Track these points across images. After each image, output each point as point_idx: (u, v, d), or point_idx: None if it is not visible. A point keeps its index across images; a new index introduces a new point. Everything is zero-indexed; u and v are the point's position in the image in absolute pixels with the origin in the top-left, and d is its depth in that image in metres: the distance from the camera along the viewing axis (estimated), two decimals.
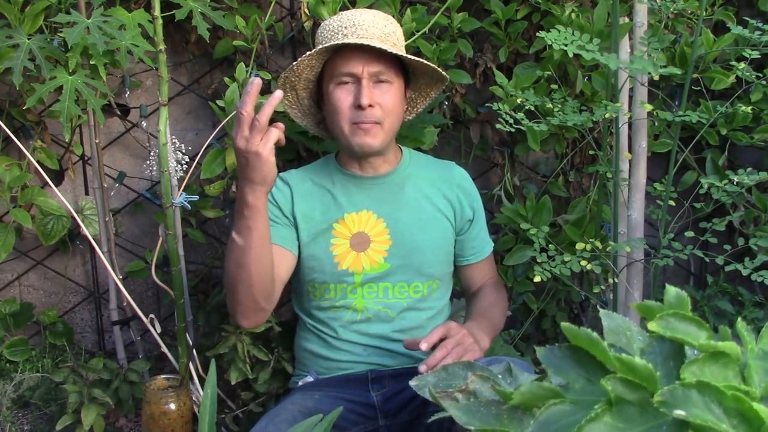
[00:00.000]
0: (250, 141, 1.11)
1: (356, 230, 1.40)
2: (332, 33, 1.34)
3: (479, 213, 1.51)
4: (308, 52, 1.33)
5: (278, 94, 1.10)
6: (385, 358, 1.40)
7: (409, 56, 1.35)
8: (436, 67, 1.38)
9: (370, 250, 1.40)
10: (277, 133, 1.12)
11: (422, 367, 1.15)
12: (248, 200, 1.17)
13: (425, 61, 1.36)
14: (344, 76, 1.33)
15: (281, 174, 1.47)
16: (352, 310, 1.40)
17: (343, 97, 1.33)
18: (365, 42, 1.28)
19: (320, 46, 1.33)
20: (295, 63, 1.35)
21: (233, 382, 1.63)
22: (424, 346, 1.18)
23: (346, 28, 1.33)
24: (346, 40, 1.30)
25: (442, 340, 1.21)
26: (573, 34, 1.41)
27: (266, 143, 1.11)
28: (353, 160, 1.42)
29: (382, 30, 1.34)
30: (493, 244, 1.56)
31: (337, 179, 1.43)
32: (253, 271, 1.22)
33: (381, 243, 1.40)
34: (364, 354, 1.40)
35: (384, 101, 1.33)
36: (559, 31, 1.40)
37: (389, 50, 1.29)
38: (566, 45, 1.38)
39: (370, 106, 1.31)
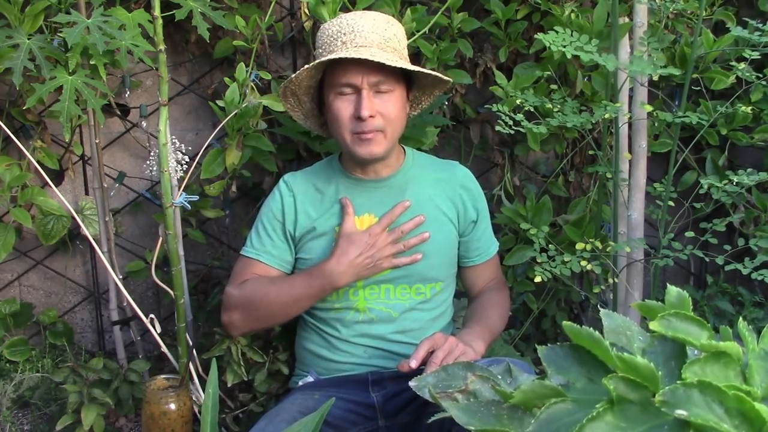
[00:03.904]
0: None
1: None
2: (331, 39, 1.32)
3: (483, 213, 1.50)
4: (306, 66, 1.31)
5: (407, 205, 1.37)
6: (386, 361, 1.40)
7: (407, 66, 1.32)
8: (436, 73, 1.35)
9: None
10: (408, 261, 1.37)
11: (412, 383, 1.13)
12: (318, 289, 1.36)
13: (424, 70, 1.33)
14: (344, 86, 1.31)
15: (285, 178, 1.46)
16: (355, 310, 1.40)
17: (343, 107, 1.32)
18: (362, 55, 1.25)
19: (318, 60, 1.30)
20: (293, 75, 1.33)
21: (229, 384, 1.63)
22: (413, 364, 1.18)
23: (344, 34, 1.30)
24: (344, 52, 1.27)
25: (432, 353, 1.20)
26: (572, 35, 1.40)
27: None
28: (355, 164, 1.42)
29: (382, 35, 1.31)
30: (498, 244, 1.55)
31: (340, 182, 1.43)
32: (270, 321, 1.42)
33: None
34: (364, 356, 1.40)
35: (385, 110, 1.32)
36: (557, 32, 1.40)
37: (386, 63, 1.26)
38: (564, 46, 1.38)
39: (370, 116, 1.30)
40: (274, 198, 1.45)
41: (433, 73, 1.34)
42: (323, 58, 1.29)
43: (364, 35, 1.30)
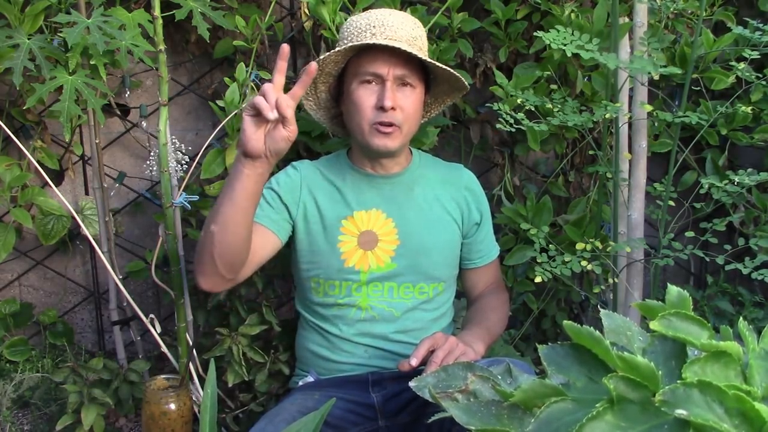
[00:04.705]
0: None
1: (365, 228, 1.40)
2: (359, 31, 1.33)
3: (486, 216, 1.51)
4: (336, 49, 1.33)
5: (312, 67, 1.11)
6: (386, 361, 1.40)
7: (437, 63, 1.34)
8: (459, 75, 1.37)
9: (377, 249, 1.39)
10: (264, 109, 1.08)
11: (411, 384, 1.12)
12: (236, 167, 1.16)
13: (450, 69, 1.35)
14: (369, 75, 1.32)
15: (294, 162, 1.47)
16: (357, 308, 1.40)
17: (365, 96, 1.33)
18: (395, 44, 1.28)
19: (349, 44, 1.31)
20: (320, 58, 1.34)
21: (230, 384, 1.63)
22: (414, 362, 1.18)
23: (374, 27, 1.32)
24: (375, 40, 1.29)
25: (432, 352, 1.20)
26: (572, 34, 1.41)
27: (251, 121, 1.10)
28: (365, 158, 1.42)
29: (410, 33, 1.33)
30: (499, 249, 1.56)
31: (348, 176, 1.43)
32: (220, 238, 1.20)
33: (389, 242, 1.40)
34: (365, 356, 1.40)
35: (406, 105, 1.33)
36: (558, 31, 1.40)
37: (418, 55, 1.29)
38: (565, 45, 1.38)
39: (392, 108, 1.31)
40: (277, 175, 1.44)
41: (455, 73, 1.36)
42: (356, 43, 1.30)
43: (394, 29, 1.32)
